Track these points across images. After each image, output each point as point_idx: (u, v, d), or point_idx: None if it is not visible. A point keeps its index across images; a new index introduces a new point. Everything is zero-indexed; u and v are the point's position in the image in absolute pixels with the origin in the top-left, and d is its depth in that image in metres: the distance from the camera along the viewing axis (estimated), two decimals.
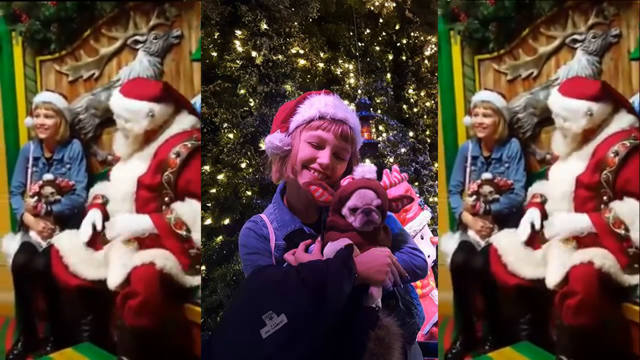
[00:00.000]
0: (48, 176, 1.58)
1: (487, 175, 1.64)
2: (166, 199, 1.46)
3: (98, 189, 1.56)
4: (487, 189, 1.62)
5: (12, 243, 1.56)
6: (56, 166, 1.61)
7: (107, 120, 1.63)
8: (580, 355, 1.41)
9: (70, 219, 1.57)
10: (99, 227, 1.48)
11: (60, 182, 1.58)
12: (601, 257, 1.41)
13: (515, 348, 1.52)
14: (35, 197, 1.56)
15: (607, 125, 1.53)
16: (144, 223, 1.45)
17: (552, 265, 1.47)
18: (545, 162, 1.65)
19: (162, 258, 1.40)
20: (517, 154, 1.64)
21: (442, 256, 1.67)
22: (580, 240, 1.46)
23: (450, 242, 1.65)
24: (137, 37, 1.62)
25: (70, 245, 1.49)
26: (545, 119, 1.66)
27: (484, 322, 1.58)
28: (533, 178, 1.64)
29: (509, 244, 1.54)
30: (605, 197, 1.48)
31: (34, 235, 1.55)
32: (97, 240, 1.50)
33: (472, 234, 1.63)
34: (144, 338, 1.37)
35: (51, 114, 1.60)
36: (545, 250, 1.50)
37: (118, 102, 1.53)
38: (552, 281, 1.45)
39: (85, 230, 1.49)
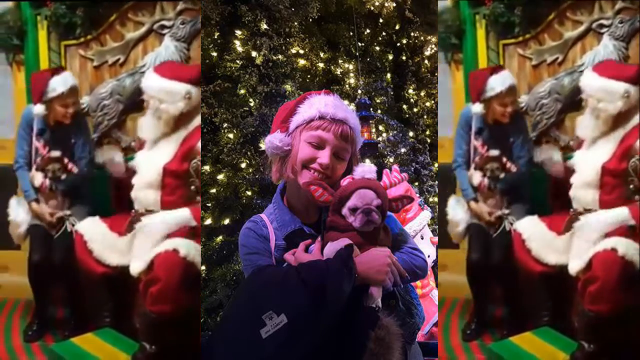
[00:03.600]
0: (55, 153, 1.54)
1: (494, 153, 1.61)
2: None
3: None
4: (493, 165, 1.60)
5: (20, 212, 1.54)
6: (61, 138, 1.56)
7: (131, 105, 1.60)
8: (600, 341, 1.41)
9: (73, 196, 1.55)
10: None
11: (67, 163, 1.54)
12: (625, 245, 1.40)
13: (536, 333, 1.52)
14: (41, 174, 1.52)
15: (637, 112, 1.51)
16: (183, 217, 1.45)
17: (576, 253, 1.46)
18: (569, 149, 1.63)
19: (186, 246, 1.40)
20: (523, 129, 1.62)
21: (450, 224, 1.64)
22: (610, 232, 1.45)
23: (457, 210, 1.63)
24: (163, 22, 1.59)
25: (93, 231, 1.49)
26: (570, 104, 1.64)
27: (504, 306, 1.58)
28: None
29: (533, 230, 1.54)
30: (631, 186, 1.47)
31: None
32: (121, 225, 1.49)
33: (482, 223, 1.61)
34: (164, 324, 1.38)
35: (75, 100, 1.56)
36: (570, 237, 1.49)
37: (152, 83, 1.50)
38: (574, 267, 1.45)
39: None
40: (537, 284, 1.53)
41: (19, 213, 1.54)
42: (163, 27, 1.60)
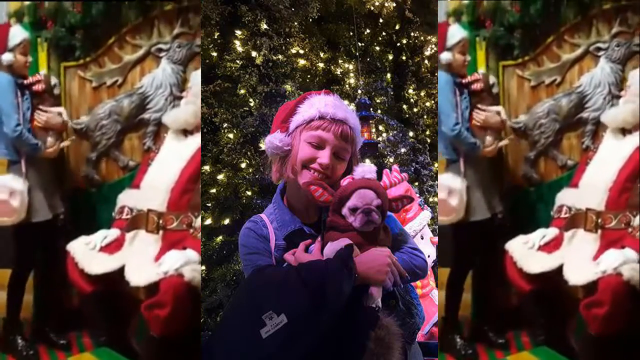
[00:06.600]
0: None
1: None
2: None
3: (128, 198, 1.56)
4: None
5: (18, 181, 1.55)
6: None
7: (129, 126, 1.66)
8: None
9: None
10: (105, 242, 1.51)
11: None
12: (629, 269, 1.41)
13: (534, 353, 1.53)
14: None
15: None
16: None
17: (574, 258, 1.47)
18: (567, 168, 1.66)
19: (190, 269, 1.43)
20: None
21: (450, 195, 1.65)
22: (606, 234, 1.47)
23: (455, 179, 1.64)
24: (160, 45, 1.65)
25: (83, 251, 1.51)
26: (567, 125, 1.68)
27: (501, 325, 1.60)
28: (553, 185, 1.66)
29: (520, 250, 1.57)
30: None
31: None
32: (110, 245, 1.52)
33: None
34: (166, 346, 1.40)
35: (27, 52, 1.61)
36: (565, 244, 1.51)
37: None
38: (575, 279, 1.45)
39: (97, 243, 1.51)
40: (530, 302, 1.54)
41: (16, 182, 1.55)
42: (160, 50, 1.66)
